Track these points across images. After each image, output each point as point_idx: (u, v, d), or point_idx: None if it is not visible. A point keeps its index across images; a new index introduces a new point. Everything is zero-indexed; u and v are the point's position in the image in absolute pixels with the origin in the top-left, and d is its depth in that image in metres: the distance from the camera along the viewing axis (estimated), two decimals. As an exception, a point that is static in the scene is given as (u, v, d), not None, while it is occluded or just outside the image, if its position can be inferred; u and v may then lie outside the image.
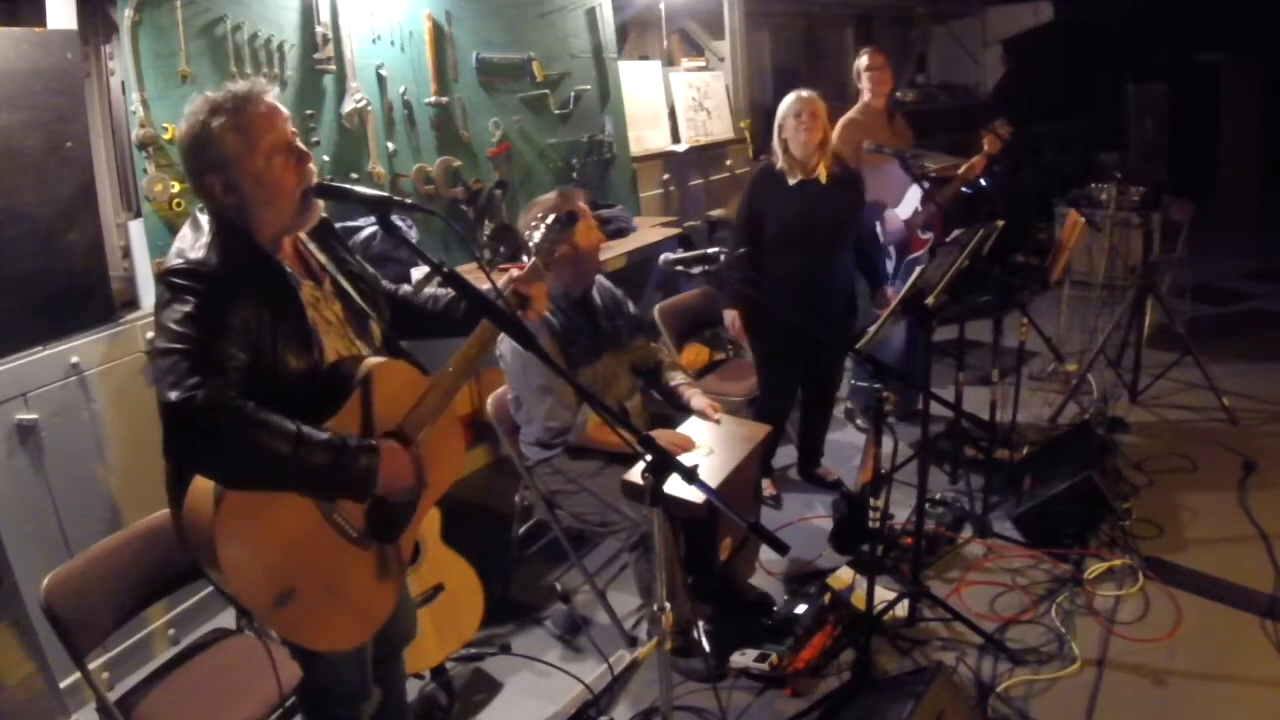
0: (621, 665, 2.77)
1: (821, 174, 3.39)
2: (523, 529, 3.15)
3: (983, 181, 4.10)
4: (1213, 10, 7.83)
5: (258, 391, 1.54)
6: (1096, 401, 4.31)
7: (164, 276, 1.56)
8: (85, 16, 2.76)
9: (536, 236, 2.09)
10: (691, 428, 2.79)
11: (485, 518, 3.59)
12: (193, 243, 1.60)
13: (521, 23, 4.09)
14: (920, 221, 4.11)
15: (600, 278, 2.96)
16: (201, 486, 1.55)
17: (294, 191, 1.67)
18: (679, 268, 2.57)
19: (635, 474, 2.40)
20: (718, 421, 2.83)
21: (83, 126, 2.66)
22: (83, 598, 1.98)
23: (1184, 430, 4.09)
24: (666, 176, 5.15)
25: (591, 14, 4.47)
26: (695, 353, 4.39)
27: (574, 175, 4.32)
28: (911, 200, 4.06)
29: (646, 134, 4.99)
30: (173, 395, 1.44)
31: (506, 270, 2.05)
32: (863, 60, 4.24)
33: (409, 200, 2.33)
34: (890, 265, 4.21)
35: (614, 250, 4.00)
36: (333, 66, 3.30)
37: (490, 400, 3.00)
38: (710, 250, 2.56)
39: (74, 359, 2.64)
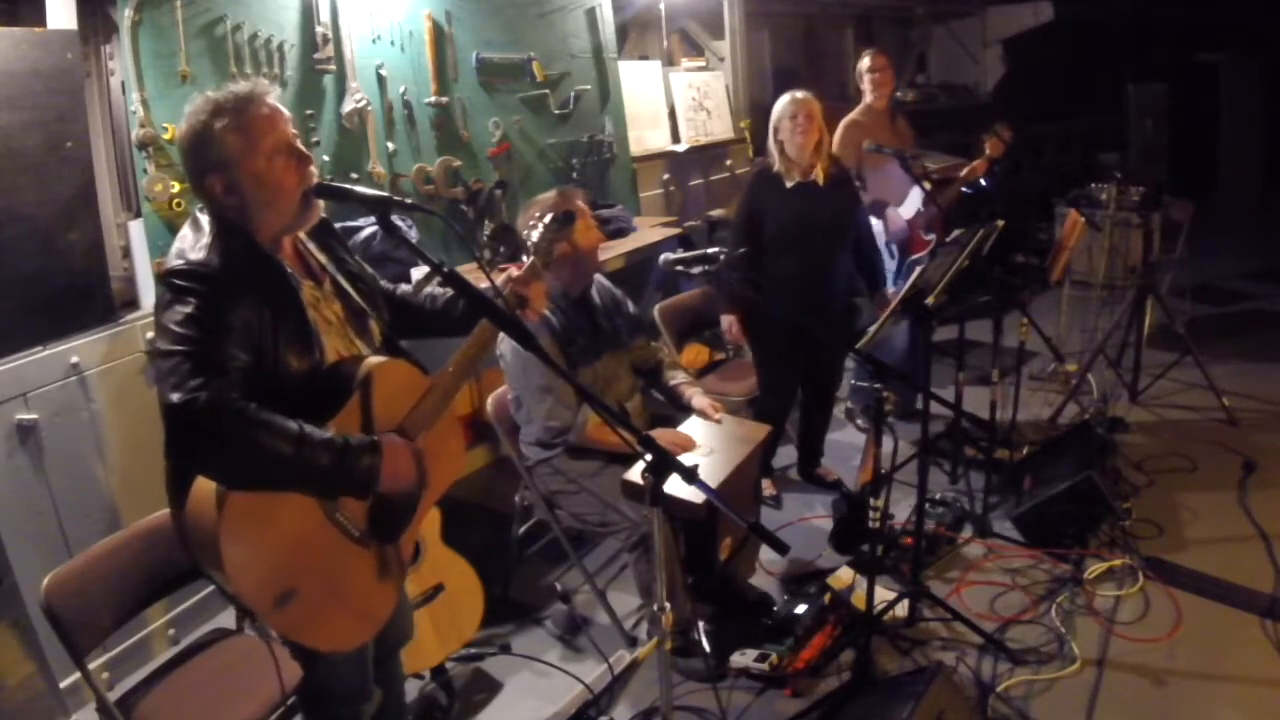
0: (621, 665, 2.77)
1: (819, 175, 3.40)
2: (523, 529, 3.15)
3: (983, 182, 4.10)
4: (1213, 10, 7.83)
5: (259, 392, 1.54)
6: (1096, 401, 4.31)
7: (164, 277, 1.56)
8: (85, 16, 2.76)
9: (534, 235, 2.09)
10: (692, 427, 2.79)
11: (485, 518, 3.59)
12: (193, 243, 1.60)
13: (521, 23, 4.09)
14: (922, 222, 4.11)
15: (599, 277, 2.96)
16: (204, 487, 1.56)
17: (295, 192, 1.67)
18: (679, 268, 2.57)
19: (635, 474, 2.40)
20: (718, 421, 2.83)
21: (83, 126, 2.66)
22: (83, 598, 1.98)
23: (1184, 430, 4.09)
24: (666, 176, 5.15)
25: (591, 14, 4.47)
26: (695, 353, 4.39)
27: (574, 175, 4.32)
28: (914, 200, 4.07)
29: (646, 134, 4.99)
30: (175, 397, 1.44)
31: (505, 270, 2.05)
32: (864, 62, 4.26)
33: (409, 200, 2.33)
34: (892, 265, 4.21)
35: (614, 250, 4.00)
36: (333, 66, 3.30)
37: (490, 400, 3.00)
38: (710, 250, 2.56)
39: (74, 359, 2.64)
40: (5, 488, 2.49)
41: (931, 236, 4.06)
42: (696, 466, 1.62)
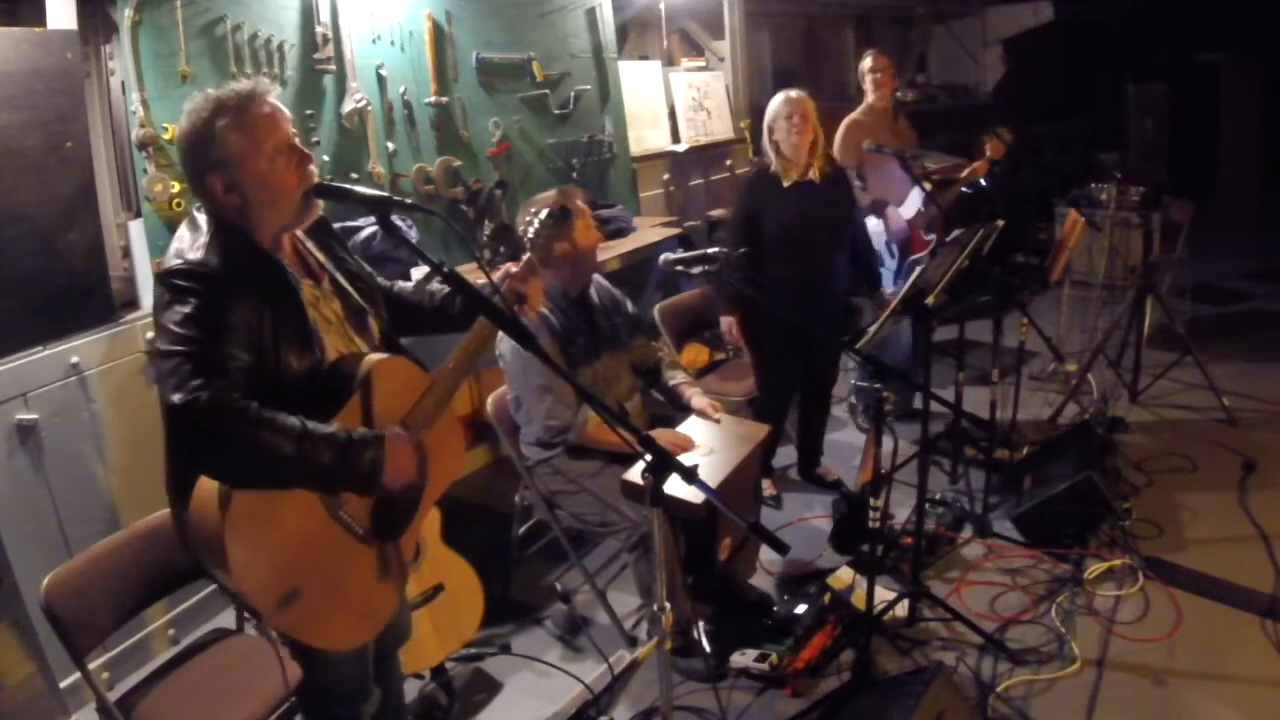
0: (621, 665, 2.77)
1: (815, 174, 3.40)
2: (523, 529, 3.15)
3: (982, 182, 4.10)
4: (1213, 10, 7.83)
5: (260, 392, 1.54)
6: (1096, 401, 4.31)
7: (163, 278, 1.56)
8: (85, 16, 2.76)
9: (531, 232, 2.09)
10: (691, 427, 2.79)
11: (485, 518, 3.59)
12: (191, 243, 1.59)
13: (521, 23, 4.09)
14: (923, 222, 4.11)
15: (597, 277, 2.96)
16: (207, 488, 1.56)
17: (296, 192, 1.67)
18: (679, 268, 2.57)
19: (635, 474, 2.40)
20: (717, 421, 2.83)
21: (83, 126, 2.66)
22: (83, 598, 1.98)
23: (1184, 430, 4.09)
24: (666, 176, 5.15)
25: (591, 14, 4.47)
26: (695, 353, 4.39)
27: (574, 175, 4.32)
28: (914, 200, 4.07)
29: (646, 134, 4.99)
30: (176, 398, 1.43)
31: (503, 268, 2.05)
32: (866, 62, 4.27)
33: (409, 200, 2.33)
34: (892, 265, 4.22)
35: (614, 250, 4.00)
36: (333, 66, 3.30)
37: (490, 400, 3.00)
38: (710, 250, 2.56)
39: (74, 359, 2.64)
40: (5, 488, 2.49)
41: (932, 236, 4.06)
42: (696, 466, 1.62)
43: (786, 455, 3.95)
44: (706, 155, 5.40)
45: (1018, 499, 3.36)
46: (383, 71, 3.47)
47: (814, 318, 3.40)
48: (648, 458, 1.64)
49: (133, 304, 2.91)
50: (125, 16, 2.71)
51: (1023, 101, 7.68)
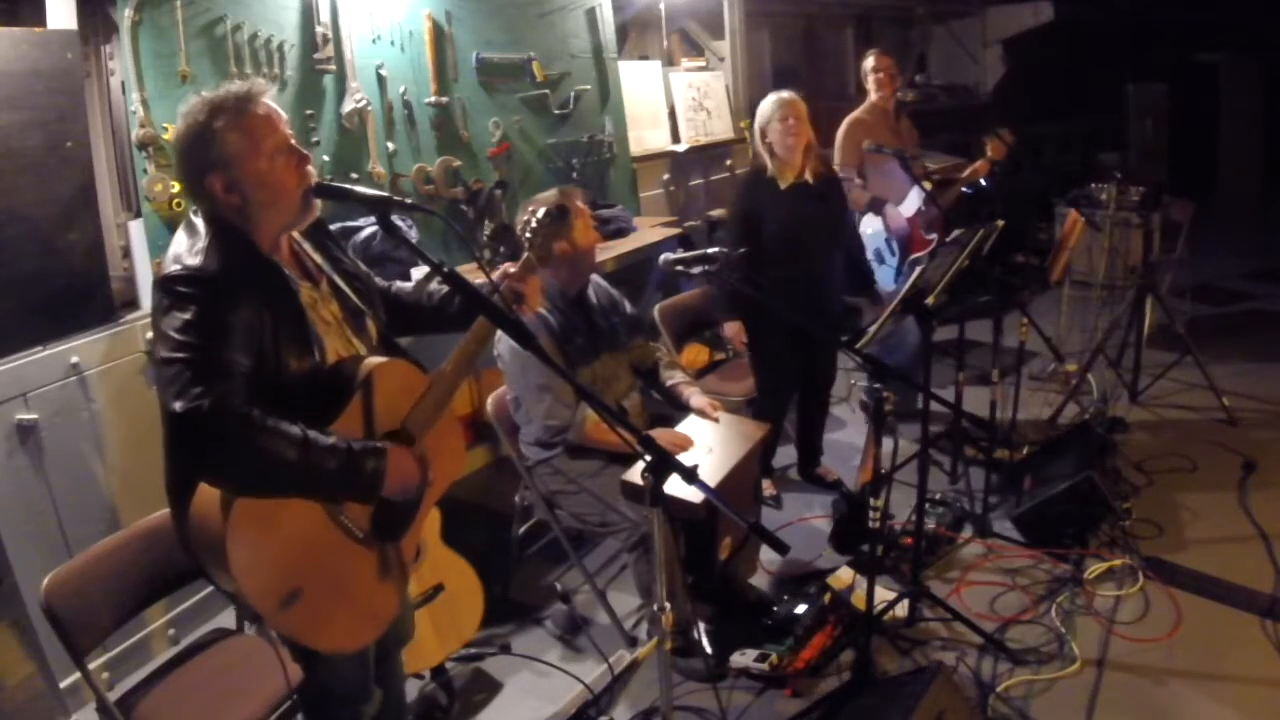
0: (621, 665, 2.77)
1: (809, 175, 3.40)
2: (523, 529, 3.15)
3: (983, 182, 4.10)
4: (1213, 10, 7.82)
5: (261, 394, 1.53)
6: (1096, 401, 4.31)
7: (161, 283, 1.54)
8: (85, 16, 2.76)
9: (529, 231, 2.09)
10: (690, 426, 2.79)
11: (485, 518, 3.59)
12: (189, 248, 1.58)
13: (521, 23, 4.09)
14: (923, 221, 4.11)
15: (595, 277, 2.96)
16: (208, 490, 1.55)
17: (295, 192, 1.67)
18: (679, 268, 2.57)
19: (635, 474, 2.40)
20: (716, 420, 2.83)
21: (83, 126, 2.66)
22: (83, 598, 1.98)
23: (1184, 430, 4.09)
24: (666, 176, 5.15)
25: (591, 14, 4.47)
26: (695, 353, 4.39)
27: (574, 175, 4.32)
28: (915, 198, 4.07)
29: (646, 134, 4.99)
30: (177, 406, 1.42)
31: (502, 267, 2.05)
32: (869, 61, 4.28)
33: (409, 200, 2.33)
34: (893, 263, 4.21)
35: (614, 250, 4.00)
36: (333, 66, 3.30)
37: (490, 400, 3.00)
38: (710, 250, 2.56)
39: (74, 359, 2.64)
40: (5, 488, 2.49)
41: (933, 236, 4.06)
42: (696, 466, 1.62)
43: (786, 455, 3.95)
44: (706, 155, 5.40)
45: (1018, 499, 3.36)
46: (383, 71, 3.47)
47: (814, 318, 3.40)
48: (647, 458, 1.63)
49: (133, 304, 2.91)
50: (125, 16, 2.71)
51: (1023, 101, 7.67)
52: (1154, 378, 4.45)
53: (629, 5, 5.02)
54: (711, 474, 2.48)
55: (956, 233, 2.95)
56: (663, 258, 2.63)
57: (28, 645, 2.50)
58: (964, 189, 4.16)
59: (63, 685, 2.57)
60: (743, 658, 2.69)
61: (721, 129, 5.51)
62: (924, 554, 3.07)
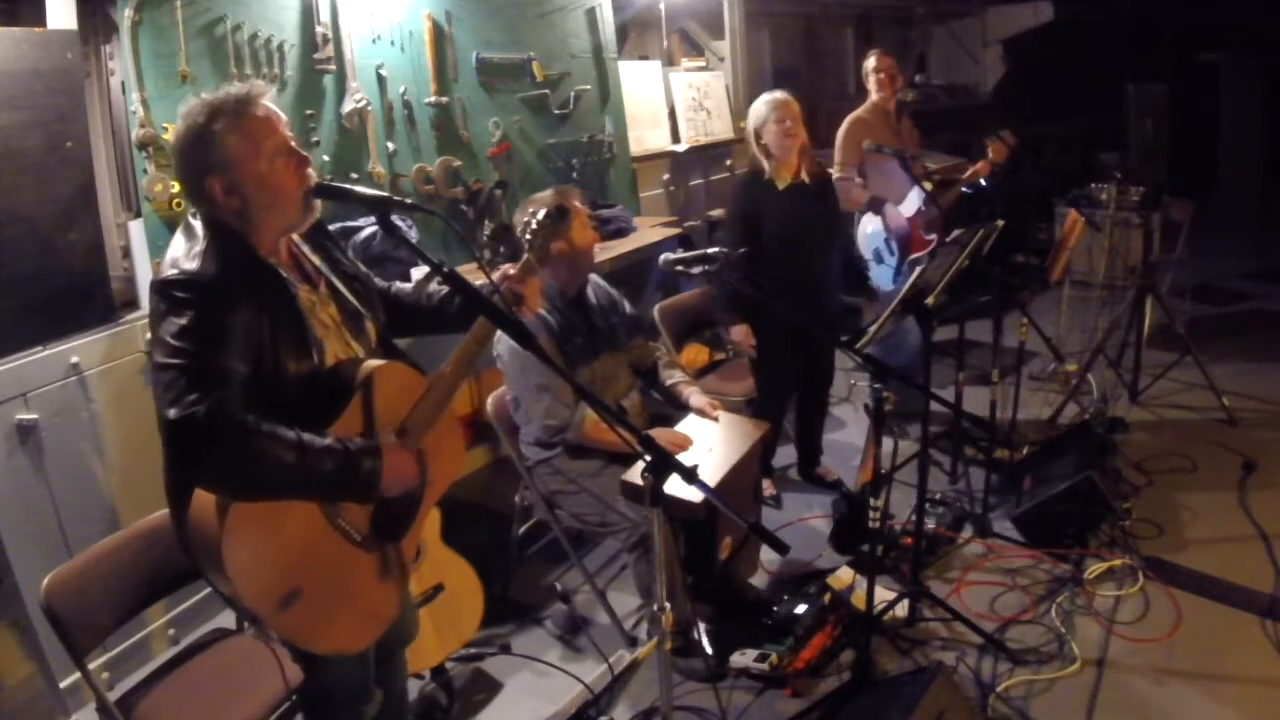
0: (621, 665, 2.77)
1: (805, 175, 3.40)
2: (523, 529, 3.15)
3: (983, 182, 4.10)
4: (1213, 10, 7.82)
5: (260, 398, 1.53)
6: (1096, 401, 4.31)
7: (159, 288, 1.53)
8: (85, 16, 2.76)
9: (529, 232, 2.09)
10: (690, 426, 2.79)
11: (485, 518, 3.59)
12: (187, 251, 1.57)
13: (521, 23, 4.09)
14: (923, 221, 4.11)
15: (594, 277, 2.96)
16: (206, 494, 1.55)
17: (296, 194, 1.66)
18: (679, 268, 2.57)
19: (635, 474, 2.40)
20: (716, 419, 2.83)
21: (83, 126, 2.66)
22: (83, 598, 1.98)
23: (1184, 430, 4.09)
24: (666, 176, 5.15)
25: (591, 14, 4.47)
26: (695, 353, 4.39)
27: (574, 175, 4.32)
28: (915, 198, 4.07)
29: (646, 134, 4.99)
30: (172, 413, 1.42)
31: (502, 268, 2.05)
32: (870, 62, 4.28)
33: (409, 200, 2.33)
34: (892, 263, 4.21)
35: (614, 250, 4.00)
36: (333, 66, 3.30)
37: (490, 400, 3.00)
38: (710, 250, 2.56)
39: (74, 359, 2.64)
40: (5, 488, 2.49)
41: (933, 236, 4.06)
42: (696, 466, 1.62)
43: (786, 455, 3.95)
44: (706, 155, 5.40)
45: (1018, 499, 3.36)
46: (383, 71, 3.47)
47: (813, 318, 3.39)
48: (647, 457, 1.63)
49: (133, 304, 2.91)
50: (125, 16, 2.71)
51: (1023, 101, 7.68)
52: (1154, 378, 4.45)
53: (629, 5, 5.02)
54: (711, 474, 2.48)
55: (956, 233, 2.96)
56: (663, 258, 2.63)
57: (28, 645, 2.50)
58: (964, 189, 4.16)
59: (63, 685, 2.57)
60: (743, 658, 2.69)
61: (721, 129, 5.51)
62: (924, 554, 3.07)
